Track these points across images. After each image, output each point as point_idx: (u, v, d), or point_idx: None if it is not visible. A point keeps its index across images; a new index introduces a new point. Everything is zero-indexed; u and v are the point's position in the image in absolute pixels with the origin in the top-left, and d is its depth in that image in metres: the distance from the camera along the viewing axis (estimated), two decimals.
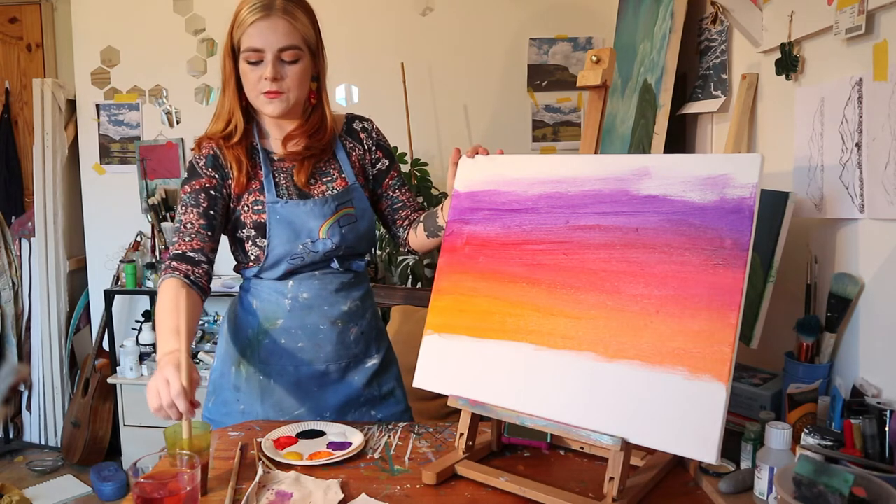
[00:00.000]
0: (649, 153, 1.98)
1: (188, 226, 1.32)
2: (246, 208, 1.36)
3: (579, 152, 1.26)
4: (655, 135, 1.96)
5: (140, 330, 3.14)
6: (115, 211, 3.42)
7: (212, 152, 1.36)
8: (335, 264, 1.39)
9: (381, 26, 3.16)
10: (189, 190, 1.34)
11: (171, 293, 1.23)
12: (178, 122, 3.36)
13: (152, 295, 3.29)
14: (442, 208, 1.38)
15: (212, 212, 1.33)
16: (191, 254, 1.29)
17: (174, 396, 1.05)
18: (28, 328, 3.49)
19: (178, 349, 1.11)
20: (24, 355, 3.47)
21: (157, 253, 3.24)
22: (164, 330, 1.18)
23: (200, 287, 1.29)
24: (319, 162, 1.40)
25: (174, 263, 1.28)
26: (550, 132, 3.20)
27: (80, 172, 3.47)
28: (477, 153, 1.28)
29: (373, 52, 3.14)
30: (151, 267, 3.15)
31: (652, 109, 2.00)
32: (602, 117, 1.26)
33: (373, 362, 1.45)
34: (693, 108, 2.03)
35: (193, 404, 1.07)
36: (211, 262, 1.32)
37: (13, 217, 3.56)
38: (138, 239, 3.32)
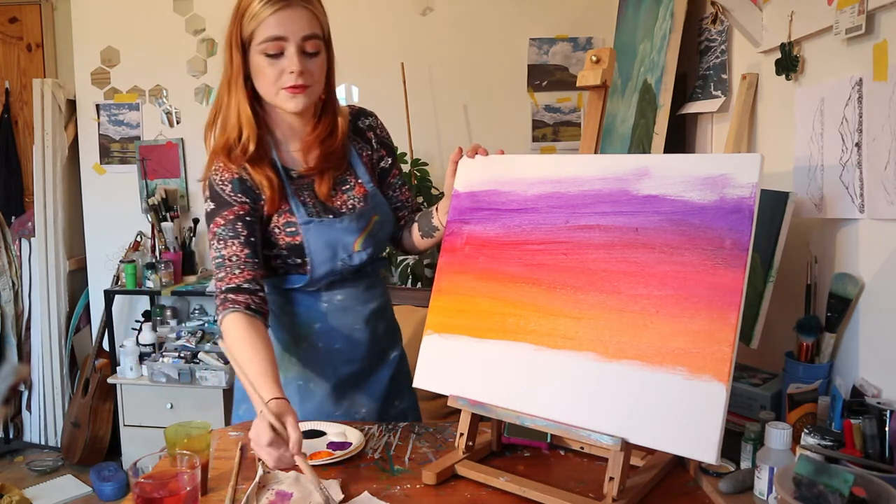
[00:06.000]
0: (649, 153, 1.98)
1: (234, 259, 1.23)
2: (277, 230, 1.30)
3: (579, 152, 1.26)
4: (655, 135, 1.96)
5: (140, 330, 3.14)
6: (115, 211, 3.42)
7: (236, 175, 1.28)
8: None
9: (381, 26, 3.16)
10: (223, 222, 1.25)
11: (242, 330, 1.16)
12: (178, 122, 3.36)
13: (152, 295, 3.29)
14: (437, 209, 1.38)
15: (252, 238, 1.26)
16: (245, 285, 1.22)
17: (292, 446, 1.01)
18: (28, 328, 3.49)
19: (269, 400, 1.06)
20: (24, 355, 3.47)
21: (157, 253, 3.24)
22: (252, 373, 1.10)
23: (262, 314, 1.22)
24: (337, 171, 1.36)
25: (231, 296, 1.20)
26: (550, 132, 3.20)
27: (80, 172, 3.47)
28: (477, 153, 1.28)
29: (373, 52, 3.13)
30: (151, 267, 3.14)
31: (652, 109, 2.00)
32: (602, 117, 1.26)
33: (395, 353, 1.46)
34: (693, 108, 2.03)
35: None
36: (264, 289, 1.26)
37: (13, 217, 3.56)
38: (138, 239, 3.31)
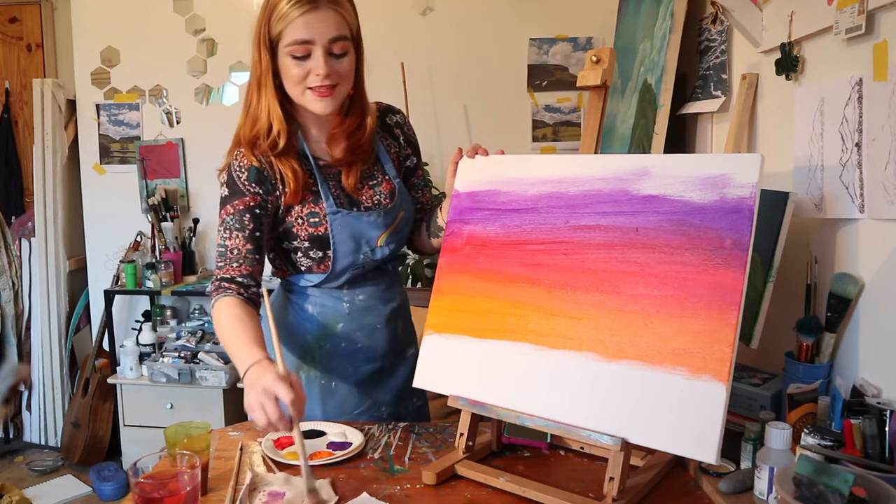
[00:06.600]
0: (649, 153, 1.98)
1: (234, 251, 1.25)
2: (300, 220, 1.30)
3: (579, 152, 1.26)
4: (655, 135, 1.96)
5: (140, 330, 3.14)
6: (115, 211, 3.42)
7: (255, 164, 1.27)
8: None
9: (381, 26, 3.16)
10: (232, 211, 1.26)
11: (232, 310, 1.18)
12: (178, 122, 3.36)
13: (152, 295, 3.29)
14: (441, 209, 1.38)
15: (258, 233, 1.26)
16: (240, 279, 1.23)
17: (290, 404, 1.01)
18: (28, 328, 3.49)
19: (263, 358, 1.07)
20: (24, 355, 3.47)
21: (157, 253, 3.24)
22: (239, 343, 1.13)
23: (254, 304, 1.24)
24: (364, 164, 1.36)
25: (224, 284, 1.23)
26: (550, 132, 3.20)
27: (80, 172, 3.47)
28: (477, 153, 1.28)
29: (373, 52, 3.12)
30: (151, 267, 3.14)
31: (652, 109, 2.00)
32: (602, 117, 1.26)
33: (412, 350, 1.47)
34: (693, 108, 2.03)
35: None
36: (260, 285, 1.26)
37: (13, 217, 3.56)
38: (138, 239, 3.31)
